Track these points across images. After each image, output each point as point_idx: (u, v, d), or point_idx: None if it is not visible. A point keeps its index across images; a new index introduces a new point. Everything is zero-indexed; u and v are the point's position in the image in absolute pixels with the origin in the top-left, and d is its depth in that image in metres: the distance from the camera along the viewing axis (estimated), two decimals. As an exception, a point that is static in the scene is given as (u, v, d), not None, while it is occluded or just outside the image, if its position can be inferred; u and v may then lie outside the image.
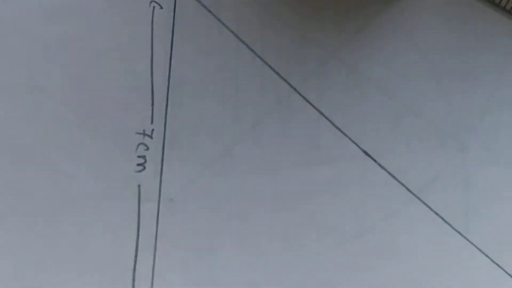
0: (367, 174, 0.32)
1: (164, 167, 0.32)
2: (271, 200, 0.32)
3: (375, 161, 0.32)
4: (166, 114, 0.32)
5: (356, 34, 0.33)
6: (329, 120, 0.33)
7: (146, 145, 0.32)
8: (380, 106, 0.33)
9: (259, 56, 0.33)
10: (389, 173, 0.32)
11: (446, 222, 0.32)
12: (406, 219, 0.32)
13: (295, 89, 0.33)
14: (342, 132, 0.33)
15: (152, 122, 0.32)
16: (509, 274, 0.31)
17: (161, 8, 0.32)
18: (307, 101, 0.33)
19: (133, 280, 0.31)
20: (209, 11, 0.32)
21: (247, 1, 0.33)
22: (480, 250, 0.32)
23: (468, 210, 0.32)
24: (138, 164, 0.32)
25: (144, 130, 0.32)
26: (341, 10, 0.33)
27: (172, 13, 0.32)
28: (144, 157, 0.32)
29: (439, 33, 0.33)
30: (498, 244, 0.32)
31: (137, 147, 0.32)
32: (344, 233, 0.32)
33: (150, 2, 0.32)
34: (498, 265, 0.32)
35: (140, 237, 0.31)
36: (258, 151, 0.32)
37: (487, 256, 0.32)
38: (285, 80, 0.33)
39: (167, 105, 0.32)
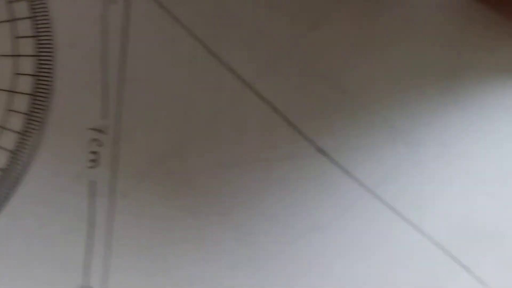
0: (321, 171, 0.34)
1: (117, 163, 0.33)
2: (224, 196, 0.34)
3: (329, 157, 0.34)
4: (119, 109, 0.33)
5: (311, 30, 0.35)
6: (284, 117, 0.34)
7: (99, 141, 0.33)
8: (334, 103, 0.35)
9: (213, 53, 0.34)
10: (343, 169, 0.34)
11: (400, 216, 0.34)
12: (361, 215, 0.34)
13: (249, 86, 0.34)
14: (296, 129, 0.34)
15: (105, 118, 0.33)
16: (463, 266, 0.33)
17: (114, 2, 0.34)
18: (262, 98, 0.34)
19: (85, 275, 0.32)
20: (163, 7, 0.34)
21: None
22: (434, 243, 0.34)
23: (422, 204, 0.34)
24: (91, 160, 0.33)
25: (97, 126, 0.33)
26: (295, 6, 0.35)
27: (125, 8, 0.34)
28: (97, 153, 0.33)
29: (396, 31, 0.35)
30: (451, 237, 0.34)
31: (90, 143, 0.33)
32: (298, 229, 0.34)
33: (103, -3, 0.34)
34: (452, 257, 0.33)
35: (92, 232, 0.33)
36: (212, 147, 0.34)
37: (441, 249, 0.33)
38: (240, 77, 0.34)
39: (120, 101, 0.34)
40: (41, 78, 0.34)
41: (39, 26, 0.34)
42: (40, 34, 0.34)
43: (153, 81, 0.34)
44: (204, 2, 0.35)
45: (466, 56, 0.35)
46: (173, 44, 0.34)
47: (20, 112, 0.33)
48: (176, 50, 0.34)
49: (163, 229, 0.33)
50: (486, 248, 0.34)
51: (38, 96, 0.33)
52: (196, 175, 0.34)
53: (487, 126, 0.35)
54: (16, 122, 0.33)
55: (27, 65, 0.34)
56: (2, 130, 0.33)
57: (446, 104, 0.35)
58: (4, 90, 0.33)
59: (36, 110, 0.33)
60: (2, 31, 0.33)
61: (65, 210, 0.33)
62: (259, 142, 0.34)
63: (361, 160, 0.34)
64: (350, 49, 0.35)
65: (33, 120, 0.33)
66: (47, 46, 0.34)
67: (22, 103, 0.33)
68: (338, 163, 0.34)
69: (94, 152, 0.33)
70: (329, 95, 0.35)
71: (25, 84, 0.34)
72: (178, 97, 0.34)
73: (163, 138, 0.34)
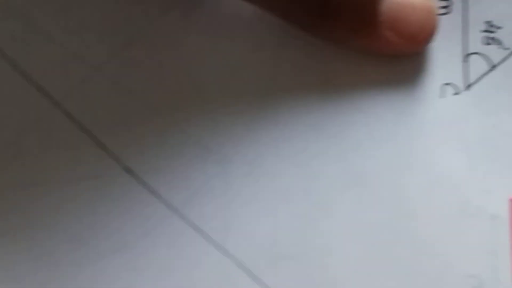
0: (127, 191, 0.34)
1: None
2: (25, 215, 0.33)
3: (136, 177, 0.34)
4: None
5: (122, 48, 0.35)
6: (92, 136, 0.34)
7: None
8: (144, 122, 0.34)
9: (21, 71, 0.34)
10: (150, 189, 0.34)
11: (205, 237, 0.33)
12: (166, 235, 0.34)
13: (58, 104, 0.34)
14: (104, 148, 0.34)
15: None
16: (266, 287, 0.33)
17: None
18: (70, 117, 0.34)
19: None
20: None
21: (7, 15, 0.34)
22: (237, 264, 0.33)
23: (227, 224, 0.34)
24: None
25: None
26: (107, 23, 0.35)
27: None
28: None
29: (206, 50, 0.35)
30: (255, 257, 0.33)
31: None
32: (101, 250, 0.33)
33: None
34: (254, 278, 0.33)
35: None
36: (16, 167, 0.34)
37: (244, 270, 0.33)
38: (48, 95, 0.34)
39: None
40: None
41: None
42: None
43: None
44: (13, 19, 0.34)
45: (278, 77, 0.35)
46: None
47: None
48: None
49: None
50: (289, 268, 0.33)
51: None
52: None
53: (296, 145, 0.34)
54: None
55: None
56: None
57: (256, 122, 0.34)
58: None
59: None
60: None
61: None
62: (65, 161, 0.34)
63: (168, 179, 0.34)
64: (160, 67, 0.35)
65: None
66: None
67: None
68: (145, 182, 0.34)
69: None
70: (139, 113, 0.35)
71: None
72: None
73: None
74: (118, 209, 0.34)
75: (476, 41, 0.35)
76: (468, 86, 0.35)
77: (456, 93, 0.35)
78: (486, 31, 0.35)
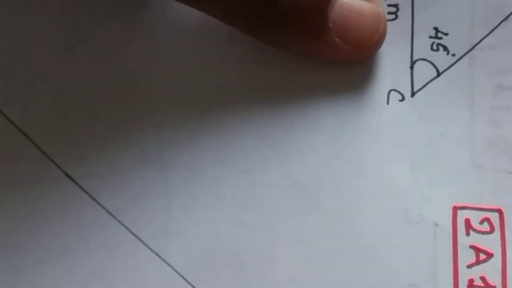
0: (67, 196, 0.34)
1: None
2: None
3: (76, 183, 0.34)
4: None
5: (65, 53, 0.35)
6: (32, 141, 0.34)
7: None
8: (85, 128, 0.34)
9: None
10: (89, 195, 0.34)
11: (144, 244, 0.33)
12: (106, 242, 0.33)
13: (-1, 110, 0.34)
14: (44, 153, 0.34)
15: None
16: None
17: None
18: (10, 121, 0.34)
19: None
20: None
21: None
22: (177, 272, 0.33)
23: (168, 231, 0.33)
24: None
25: None
26: (51, 28, 0.35)
27: None
28: None
29: (149, 55, 0.35)
30: (195, 266, 0.33)
31: None
32: (40, 256, 0.33)
33: None
34: (195, 286, 0.33)
35: None
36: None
37: (183, 278, 0.33)
38: (-12, 101, 0.34)
39: None
40: None
41: None
42: None
43: None
44: None
45: (222, 82, 0.35)
46: None
47: None
48: None
49: None
50: (228, 276, 0.33)
51: None
52: None
53: (237, 151, 0.34)
54: None
55: None
56: None
57: (198, 128, 0.34)
58: None
59: None
60: None
61: None
62: (4, 165, 0.34)
63: (109, 186, 0.34)
64: (103, 72, 0.35)
65: None
66: None
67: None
68: (85, 188, 0.34)
69: None
70: (79, 118, 0.34)
71: None
72: None
73: None
74: (57, 214, 0.34)
75: (424, 47, 0.35)
76: (414, 93, 0.35)
77: (401, 100, 0.35)
78: (433, 37, 0.35)
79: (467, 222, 0.33)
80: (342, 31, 0.33)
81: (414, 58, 0.35)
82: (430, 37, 0.35)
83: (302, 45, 0.34)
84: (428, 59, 0.35)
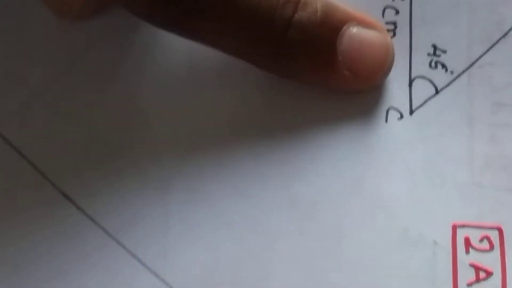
0: (66, 217, 0.34)
1: None
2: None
3: (74, 203, 0.34)
4: None
5: (62, 74, 0.35)
6: (29, 162, 0.34)
7: None
8: (83, 148, 0.34)
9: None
10: (87, 215, 0.34)
11: (142, 264, 0.33)
12: (104, 262, 0.33)
13: (-4, 131, 0.34)
14: (42, 174, 0.34)
15: None
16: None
17: None
18: (8, 142, 0.34)
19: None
20: None
21: None
22: (176, 292, 0.33)
23: (167, 252, 0.33)
24: None
25: None
26: (50, 47, 0.35)
27: None
28: None
29: (147, 75, 0.35)
30: (194, 286, 0.33)
31: None
32: (40, 276, 0.33)
33: None
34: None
35: None
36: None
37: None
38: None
39: None
40: None
41: None
42: None
43: None
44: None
45: (219, 105, 0.35)
46: None
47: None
48: None
49: None
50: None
51: None
52: None
53: (236, 171, 0.34)
54: None
55: None
56: None
57: (197, 147, 0.34)
58: None
59: None
60: None
61: None
62: (3, 186, 0.34)
63: (107, 206, 0.34)
64: (100, 93, 0.35)
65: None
66: None
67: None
68: (83, 209, 0.34)
69: None
70: (78, 139, 0.35)
71: None
72: None
73: None
74: (55, 235, 0.34)
75: (422, 65, 0.35)
76: (412, 111, 0.35)
77: (400, 118, 0.35)
78: (432, 54, 0.35)
79: (467, 240, 0.33)
80: (351, 63, 0.33)
81: (413, 76, 0.35)
82: (429, 54, 0.35)
83: (310, 77, 0.34)
84: (426, 76, 0.35)
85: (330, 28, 0.33)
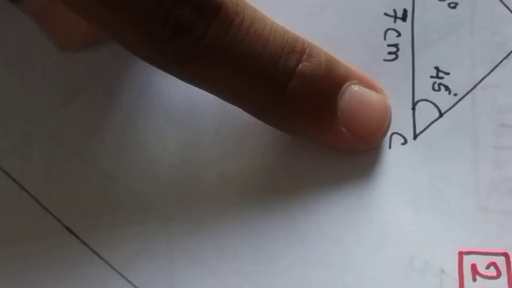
0: (69, 250, 0.34)
1: None
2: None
3: (77, 237, 0.34)
4: None
5: (62, 106, 0.35)
6: (31, 195, 0.34)
7: None
8: (85, 180, 0.34)
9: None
10: (91, 249, 0.34)
11: (148, 298, 0.33)
12: (108, 296, 0.33)
13: (-2, 166, 0.34)
14: (44, 207, 0.34)
15: None
16: None
17: None
18: (8, 175, 0.34)
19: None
20: None
21: None
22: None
23: (172, 284, 0.33)
24: None
25: None
26: (49, 80, 0.35)
27: None
28: None
29: (148, 107, 0.35)
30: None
31: None
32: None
33: None
34: None
35: None
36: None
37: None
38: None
39: None
40: None
41: None
42: None
43: None
44: None
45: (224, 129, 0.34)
46: None
47: None
48: None
49: None
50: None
51: None
52: None
53: (240, 201, 0.34)
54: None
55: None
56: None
57: (199, 179, 0.34)
58: None
59: None
60: None
61: None
62: (5, 221, 0.34)
63: (111, 239, 0.34)
64: (101, 123, 0.35)
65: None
66: None
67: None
68: (86, 242, 0.34)
69: None
70: (79, 172, 0.34)
71: None
72: None
73: None
74: (58, 269, 0.34)
75: (426, 87, 0.35)
76: (416, 135, 0.35)
77: (404, 143, 0.35)
78: (434, 76, 0.35)
79: (474, 267, 0.33)
80: (350, 121, 0.33)
81: (416, 99, 0.35)
82: (431, 77, 0.35)
83: (307, 131, 0.33)
84: (429, 99, 0.35)
85: (333, 83, 0.32)
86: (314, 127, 0.32)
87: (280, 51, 0.31)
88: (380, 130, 0.33)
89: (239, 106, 0.32)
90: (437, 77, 0.35)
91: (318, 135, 0.33)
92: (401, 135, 0.35)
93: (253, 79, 0.31)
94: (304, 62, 0.31)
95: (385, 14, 0.36)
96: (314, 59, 0.32)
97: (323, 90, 0.32)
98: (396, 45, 0.35)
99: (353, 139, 0.33)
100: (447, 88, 0.35)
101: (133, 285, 0.34)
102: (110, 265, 0.34)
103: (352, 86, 0.32)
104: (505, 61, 0.35)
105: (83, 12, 0.30)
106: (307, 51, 0.31)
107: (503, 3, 0.35)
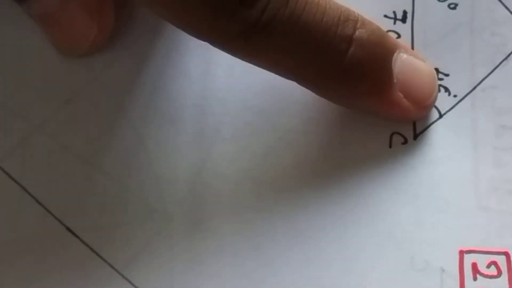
0: (69, 251, 0.34)
1: None
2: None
3: (78, 237, 0.34)
4: None
5: (62, 106, 0.35)
6: (32, 196, 0.34)
7: None
8: (85, 181, 0.34)
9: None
10: (91, 249, 0.34)
11: (148, 298, 0.33)
12: (109, 296, 0.33)
13: (-2, 165, 0.34)
14: (44, 207, 0.34)
15: None
16: None
17: None
18: (9, 176, 0.34)
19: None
20: None
21: None
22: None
23: (172, 284, 0.33)
24: None
25: None
26: (49, 80, 0.35)
27: None
28: None
29: (150, 108, 0.35)
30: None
31: None
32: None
33: None
34: None
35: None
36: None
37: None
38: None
39: None
40: None
41: None
42: None
43: None
44: None
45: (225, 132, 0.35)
46: None
47: None
48: None
49: None
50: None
51: None
52: None
53: (240, 202, 0.34)
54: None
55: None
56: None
57: (200, 179, 0.34)
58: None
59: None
60: None
61: None
62: (5, 221, 0.34)
63: (111, 239, 0.34)
64: (101, 125, 0.35)
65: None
66: None
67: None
68: (87, 243, 0.34)
69: None
70: (80, 172, 0.35)
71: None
72: None
73: None
74: (59, 270, 0.34)
75: (425, 88, 0.35)
76: (416, 135, 0.35)
77: (404, 143, 0.35)
78: (435, 78, 0.35)
79: (474, 266, 0.33)
80: (405, 86, 0.34)
81: (416, 100, 0.35)
82: (432, 78, 0.35)
83: (369, 98, 0.34)
84: (429, 100, 0.35)
85: (387, 49, 0.33)
86: (375, 93, 0.33)
87: (338, 20, 0.32)
88: (431, 95, 0.34)
89: (299, 80, 0.33)
90: (438, 78, 0.35)
91: (377, 103, 0.34)
92: (401, 135, 0.35)
93: (315, 48, 0.31)
94: (359, 29, 0.32)
95: (385, 16, 0.36)
96: (367, 26, 0.32)
97: (379, 54, 0.33)
98: (396, 47, 0.35)
99: (407, 105, 0.34)
100: (446, 89, 0.35)
101: (133, 285, 0.34)
102: (110, 265, 0.34)
103: (402, 54, 0.33)
104: (504, 62, 0.35)
105: None
106: (359, 19, 0.32)
107: (503, 4, 0.35)
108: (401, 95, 0.33)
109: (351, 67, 0.32)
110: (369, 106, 0.34)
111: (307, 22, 0.31)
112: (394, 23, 0.36)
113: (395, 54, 0.33)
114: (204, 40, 0.31)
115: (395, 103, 0.33)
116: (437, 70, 0.35)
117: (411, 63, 0.34)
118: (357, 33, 0.32)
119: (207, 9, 0.30)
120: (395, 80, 0.33)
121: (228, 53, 0.32)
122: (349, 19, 0.32)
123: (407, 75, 0.33)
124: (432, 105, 0.35)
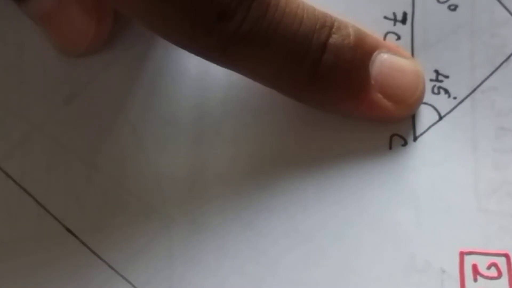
0: (69, 252, 0.34)
1: None
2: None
3: (77, 238, 0.34)
4: None
5: (63, 106, 0.35)
6: (31, 196, 0.34)
7: None
8: (85, 181, 0.34)
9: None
10: (91, 250, 0.34)
11: (148, 299, 0.33)
12: (108, 297, 0.34)
13: (-3, 165, 0.34)
14: (44, 208, 0.34)
15: None
16: None
17: None
18: (8, 176, 0.34)
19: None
20: None
21: None
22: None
23: (172, 284, 0.33)
24: None
25: None
26: (49, 80, 0.35)
27: None
28: None
29: (149, 109, 0.35)
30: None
31: None
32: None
33: None
34: None
35: None
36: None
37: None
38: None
39: None
40: None
41: None
42: None
43: None
44: None
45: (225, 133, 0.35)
46: None
47: None
48: None
49: None
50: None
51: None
52: None
53: (240, 202, 0.34)
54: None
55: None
56: None
57: (200, 180, 0.35)
58: None
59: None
60: None
61: None
62: (5, 221, 0.34)
63: (111, 240, 0.34)
64: (100, 125, 0.35)
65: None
66: None
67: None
68: (86, 243, 0.34)
69: None
70: (79, 172, 0.35)
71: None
72: None
73: None
74: (59, 270, 0.34)
75: (425, 90, 0.36)
76: (416, 137, 0.35)
77: (404, 145, 0.35)
78: (434, 80, 0.35)
79: (475, 267, 0.34)
80: (384, 87, 0.34)
81: (416, 102, 0.35)
82: (431, 80, 0.36)
83: (345, 102, 0.34)
84: (429, 102, 0.35)
85: (363, 51, 0.33)
86: (351, 97, 0.34)
87: (314, 28, 0.32)
88: (414, 94, 0.34)
89: (276, 87, 0.34)
90: (437, 80, 0.36)
91: (355, 107, 0.34)
92: (401, 136, 0.35)
93: (291, 58, 0.32)
94: (333, 35, 0.33)
95: (385, 17, 0.36)
96: (342, 30, 0.33)
97: (354, 59, 0.33)
98: (395, 48, 0.36)
99: (388, 105, 0.34)
100: (446, 91, 0.36)
101: (133, 285, 0.34)
102: (110, 266, 0.34)
103: (382, 54, 0.34)
104: (504, 64, 0.35)
105: (127, 4, 0.30)
106: (335, 24, 0.33)
107: (503, 5, 0.36)
108: (380, 96, 0.34)
109: (324, 74, 0.33)
110: (347, 110, 0.34)
111: (284, 33, 0.32)
112: (394, 24, 0.36)
113: (374, 55, 0.34)
114: (184, 49, 0.32)
115: (374, 105, 0.34)
116: (436, 71, 0.36)
117: (391, 62, 0.34)
118: (330, 39, 0.33)
119: (185, 24, 0.31)
120: (372, 82, 0.33)
121: (207, 60, 0.32)
122: (325, 26, 0.33)
123: (386, 75, 0.34)
124: (418, 103, 0.35)
